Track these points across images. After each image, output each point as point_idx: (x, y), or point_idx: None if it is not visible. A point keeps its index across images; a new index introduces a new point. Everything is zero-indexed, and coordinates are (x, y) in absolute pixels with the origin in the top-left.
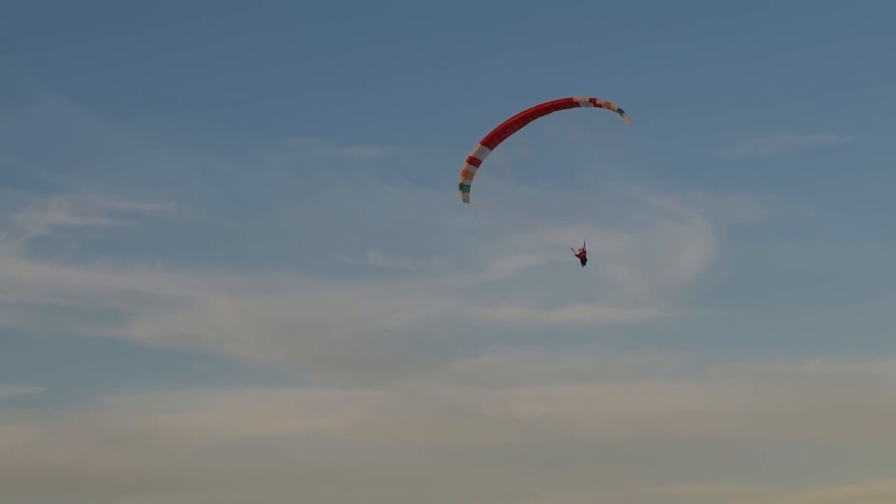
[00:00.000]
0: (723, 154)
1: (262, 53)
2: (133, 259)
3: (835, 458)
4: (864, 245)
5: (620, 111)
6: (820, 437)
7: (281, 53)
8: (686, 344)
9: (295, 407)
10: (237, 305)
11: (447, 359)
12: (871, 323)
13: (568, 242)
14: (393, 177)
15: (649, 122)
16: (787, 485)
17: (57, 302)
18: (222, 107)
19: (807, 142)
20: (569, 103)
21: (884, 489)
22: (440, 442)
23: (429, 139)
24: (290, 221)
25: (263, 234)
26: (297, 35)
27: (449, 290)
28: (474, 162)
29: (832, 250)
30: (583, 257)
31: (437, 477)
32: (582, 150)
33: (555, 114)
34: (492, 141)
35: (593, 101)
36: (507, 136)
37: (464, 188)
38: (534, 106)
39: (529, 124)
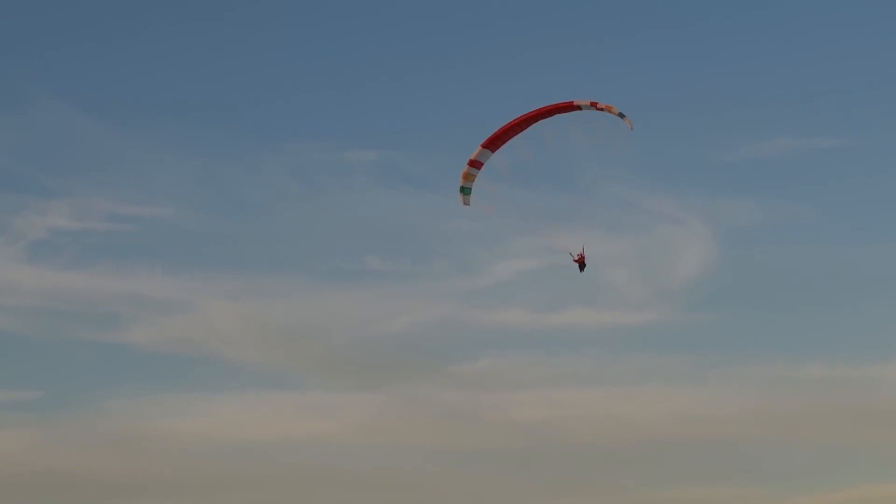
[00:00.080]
0: (722, 157)
1: (261, 57)
2: (132, 263)
3: (835, 461)
4: (863, 248)
5: (622, 115)
6: (820, 440)
7: (280, 57)
8: (685, 347)
9: (294, 411)
10: (237, 309)
11: (447, 363)
12: (871, 326)
13: (567, 246)
14: (392, 180)
15: (648, 125)
16: (787, 488)
17: (56, 306)
18: (221, 111)
19: (806, 145)
20: (570, 107)
21: (884, 493)
22: (440, 446)
23: (428, 143)
24: (289, 225)
25: (263, 237)
26: (296, 38)
27: (448, 293)
28: (475, 165)
29: (832, 253)
30: (581, 263)
31: (437, 481)
32: (582, 153)
33: (556, 117)
34: (493, 144)
35: (594, 105)
36: (508, 139)
37: (464, 191)
38: (535, 109)
39: (530, 127)
